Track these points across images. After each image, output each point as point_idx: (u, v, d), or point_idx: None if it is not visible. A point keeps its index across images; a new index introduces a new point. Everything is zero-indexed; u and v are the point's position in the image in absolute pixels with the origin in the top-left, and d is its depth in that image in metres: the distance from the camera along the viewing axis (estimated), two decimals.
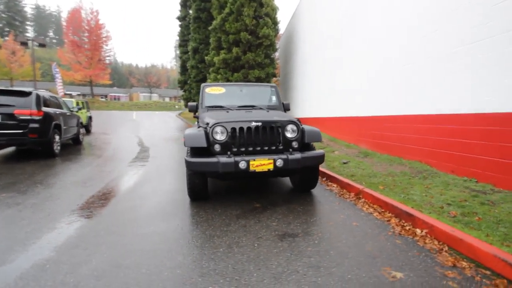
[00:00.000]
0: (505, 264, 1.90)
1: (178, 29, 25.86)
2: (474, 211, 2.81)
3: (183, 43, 25.33)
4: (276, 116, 3.52)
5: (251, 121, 3.28)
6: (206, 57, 16.64)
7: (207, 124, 3.31)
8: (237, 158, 3.02)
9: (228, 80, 14.89)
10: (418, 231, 2.60)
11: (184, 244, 2.41)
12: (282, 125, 3.34)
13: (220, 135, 3.18)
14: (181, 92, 28.64)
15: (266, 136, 3.28)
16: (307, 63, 12.97)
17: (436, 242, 2.41)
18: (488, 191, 3.39)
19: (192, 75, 20.20)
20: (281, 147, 3.30)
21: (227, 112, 4.18)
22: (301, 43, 13.99)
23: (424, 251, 2.31)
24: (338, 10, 8.87)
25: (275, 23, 15.07)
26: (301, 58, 13.98)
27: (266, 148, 3.27)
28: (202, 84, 4.64)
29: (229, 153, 3.09)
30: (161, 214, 3.11)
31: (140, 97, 59.34)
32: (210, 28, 16.15)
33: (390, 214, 3.03)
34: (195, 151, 3.24)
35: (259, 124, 3.27)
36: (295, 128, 3.40)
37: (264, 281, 1.87)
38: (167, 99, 61.41)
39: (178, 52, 27.17)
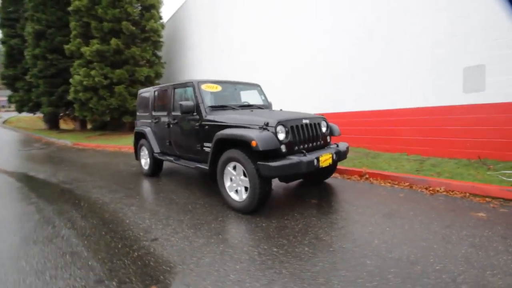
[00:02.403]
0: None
1: None
2: (438, 171, 4.07)
3: (7, 23, 17.90)
4: (297, 114, 3.51)
5: (301, 119, 3.15)
6: (67, 46, 12.80)
7: (255, 125, 2.90)
8: (312, 156, 2.86)
9: (106, 77, 12.20)
10: (437, 189, 3.50)
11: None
12: (318, 121, 3.41)
13: (283, 135, 2.86)
14: (6, 92, 20.17)
15: (313, 133, 3.25)
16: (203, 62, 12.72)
17: (458, 193, 3.35)
18: (423, 159, 4.89)
19: (37, 68, 14.82)
20: (320, 142, 3.37)
21: (235, 110, 3.71)
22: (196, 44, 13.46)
23: (463, 200, 3.13)
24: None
25: (160, 18, 13.71)
26: (197, 59, 13.46)
27: (313, 144, 3.24)
28: (195, 80, 3.75)
29: (303, 152, 2.91)
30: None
31: None
32: (70, 9, 12.54)
33: (404, 184, 3.81)
34: (259, 155, 2.74)
35: (308, 121, 3.20)
36: (325, 124, 3.55)
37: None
38: None
39: None
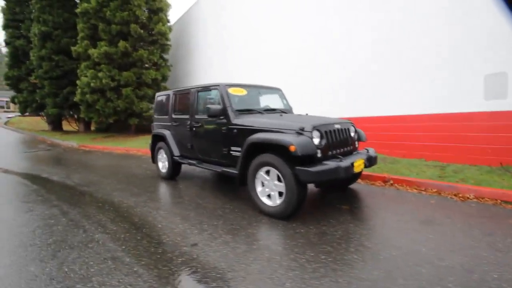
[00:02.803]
0: None
1: None
2: (461, 177, 4.05)
3: (12, 24, 17.86)
4: (327, 119, 3.49)
5: (333, 124, 3.13)
6: (74, 48, 12.78)
7: (288, 129, 2.88)
8: (348, 161, 2.84)
9: (113, 79, 12.17)
10: (467, 195, 3.47)
11: None
12: (348, 126, 3.40)
13: (318, 140, 2.84)
14: (10, 93, 20.05)
15: (344, 138, 3.24)
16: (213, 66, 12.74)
17: (488, 199, 3.33)
18: (443, 165, 4.87)
19: (43, 69, 14.75)
20: (350, 148, 3.35)
21: (263, 115, 3.68)
22: (205, 46, 13.47)
23: (496, 207, 3.11)
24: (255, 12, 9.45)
25: (167, 21, 13.74)
26: (202, 62, 13.47)
27: (344, 149, 3.23)
28: (222, 83, 3.72)
29: (339, 157, 2.92)
30: None
31: None
32: (77, 11, 12.55)
33: (432, 190, 3.78)
34: (294, 160, 2.72)
35: (339, 126, 3.18)
36: (354, 129, 3.54)
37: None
38: None
39: None
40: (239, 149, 3.46)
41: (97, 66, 12.24)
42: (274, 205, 2.96)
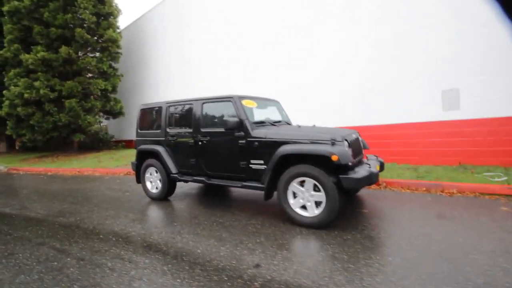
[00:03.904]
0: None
1: None
2: (435, 176, 4.76)
3: None
4: (342, 129, 3.72)
5: (352, 134, 3.34)
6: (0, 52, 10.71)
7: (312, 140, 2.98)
8: (374, 167, 3.06)
9: (53, 90, 10.55)
10: (451, 191, 4.07)
11: None
12: (358, 135, 3.67)
13: (348, 149, 2.98)
14: None
15: (359, 146, 3.48)
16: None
17: (469, 193, 3.96)
18: (414, 167, 5.62)
19: None
20: (362, 155, 3.61)
21: (278, 127, 3.71)
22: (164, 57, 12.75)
23: (478, 198, 3.69)
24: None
25: (117, 27, 12.69)
26: (160, 73, 12.72)
27: (360, 157, 3.46)
28: (236, 95, 3.57)
29: (368, 164, 3.13)
30: None
31: None
32: (4, 9, 10.62)
33: (422, 189, 4.34)
34: (330, 170, 2.79)
35: (355, 136, 3.42)
36: (360, 138, 3.83)
37: None
38: None
39: None
40: (260, 161, 3.40)
41: (32, 74, 10.48)
42: (312, 216, 2.98)
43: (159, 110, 4.58)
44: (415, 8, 5.81)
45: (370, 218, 3.25)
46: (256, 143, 3.44)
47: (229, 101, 3.72)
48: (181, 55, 11.25)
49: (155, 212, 3.97)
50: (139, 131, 4.91)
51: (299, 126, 3.84)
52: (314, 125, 4.38)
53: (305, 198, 3.04)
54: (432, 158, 5.69)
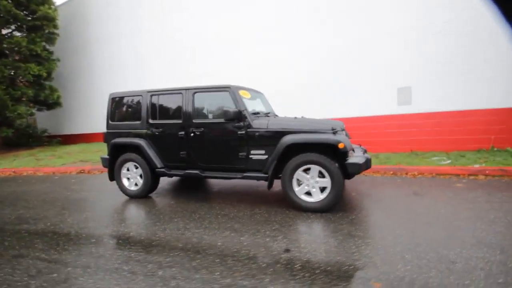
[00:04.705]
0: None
1: None
2: (395, 162, 5.49)
3: None
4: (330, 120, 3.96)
5: (343, 125, 3.63)
6: None
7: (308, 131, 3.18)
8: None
9: None
10: (414, 173, 4.76)
11: None
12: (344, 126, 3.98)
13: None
14: None
15: (348, 136, 3.78)
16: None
17: (427, 174, 4.69)
18: (375, 155, 6.34)
19: None
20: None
21: (274, 117, 3.78)
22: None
23: (436, 179, 4.39)
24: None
25: (53, 4, 10.88)
26: (107, 58, 11.41)
27: None
28: (233, 86, 3.42)
29: (364, 149, 3.48)
30: None
31: None
32: None
33: (389, 172, 4.96)
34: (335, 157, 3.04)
35: (344, 126, 3.73)
36: None
37: None
38: None
39: None
40: (261, 151, 3.45)
41: None
42: (316, 201, 3.16)
43: (139, 100, 4.18)
44: (377, 17, 6.48)
45: (361, 200, 3.60)
46: (258, 133, 3.45)
47: (226, 91, 3.62)
48: (132, 39, 10.29)
49: (143, 210, 3.66)
50: (110, 122, 4.40)
51: (295, 118, 3.97)
52: (302, 117, 4.58)
53: (310, 185, 3.20)
54: (389, 146, 6.50)
